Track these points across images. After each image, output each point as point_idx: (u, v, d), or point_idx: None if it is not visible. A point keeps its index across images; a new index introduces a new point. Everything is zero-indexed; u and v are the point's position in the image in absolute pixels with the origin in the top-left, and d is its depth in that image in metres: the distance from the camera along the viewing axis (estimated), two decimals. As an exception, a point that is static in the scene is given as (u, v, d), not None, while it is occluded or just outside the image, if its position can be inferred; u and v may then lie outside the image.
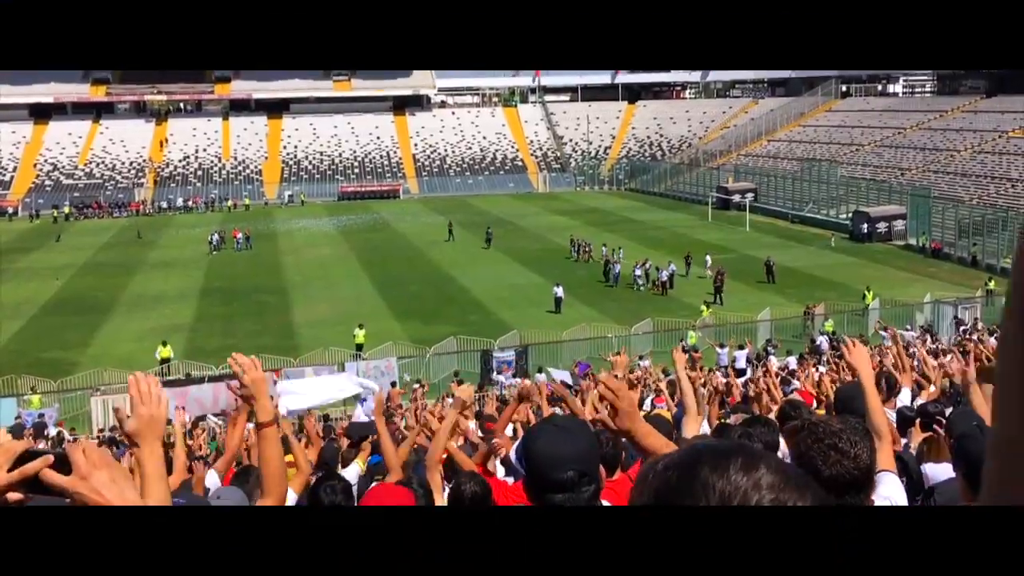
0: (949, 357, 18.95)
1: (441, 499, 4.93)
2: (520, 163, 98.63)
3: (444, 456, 6.08)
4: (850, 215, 59.21)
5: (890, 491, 3.19)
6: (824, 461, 2.61)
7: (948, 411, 7.78)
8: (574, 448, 2.27)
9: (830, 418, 2.85)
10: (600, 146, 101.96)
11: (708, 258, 47.01)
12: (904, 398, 8.79)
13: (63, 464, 1.70)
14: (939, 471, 4.93)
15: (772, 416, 6.98)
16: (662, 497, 1.03)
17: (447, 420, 5.70)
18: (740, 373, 25.28)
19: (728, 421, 7.54)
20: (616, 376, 3.02)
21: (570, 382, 26.90)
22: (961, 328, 32.39)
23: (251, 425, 16.64)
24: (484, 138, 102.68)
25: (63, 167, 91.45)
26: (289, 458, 6.47)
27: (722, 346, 30.90)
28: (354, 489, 5.47)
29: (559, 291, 40.04)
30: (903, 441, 6.89)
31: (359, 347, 33.62)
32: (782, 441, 5.09)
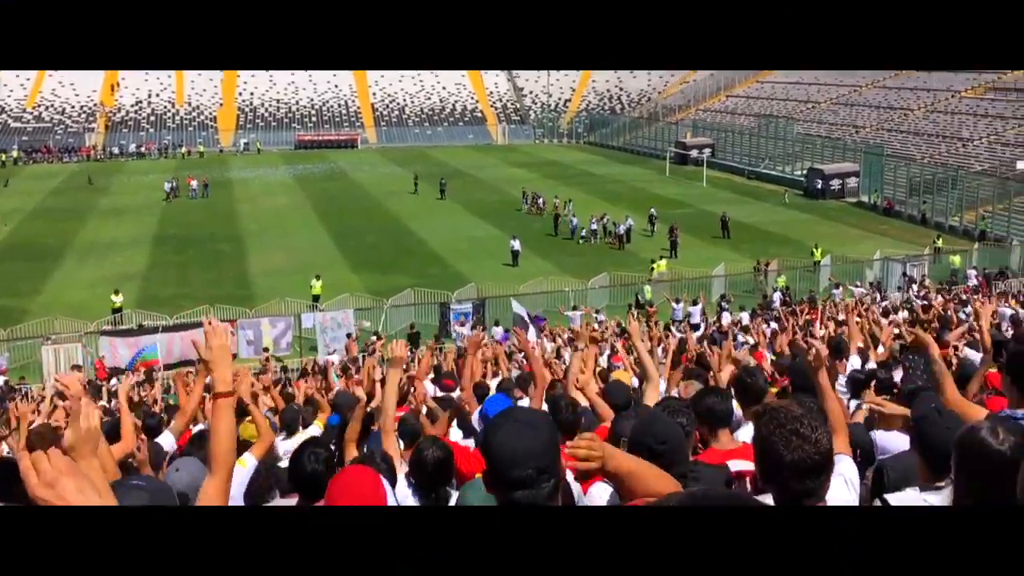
0: (898, 315, 19.35)
1: (402, 465, 4.94)
2: (480, 114, 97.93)
3: (397, 418, 6.04)
4: (805, 172, 59.73)
5: (844, 468, 3.28)
6: (786, 446, 2.67)
7: (897, 375, 7.96)
8: (533, 444, 2.27)
9: (790, 403, 2.91)
10: (560, 99, 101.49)
11: (653, 210, 47.25)
12: (854, 362, 8.97)
13: (15, 470, 1.70)
14: (889, 439, 5.04)
15: (727, 379, 7.08)
16: None
17: (390, 382, 5.50)
18: (694, 328, 25.62)
19: (678, 391, 7.63)
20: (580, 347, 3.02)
21: (526, 319, 27.15)
22: (912, 286, 32.99)
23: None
24: (444, 88, 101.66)
25: (11, 110, 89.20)
26: (252, 430, 6.38)
27: (677, 301, 31.20)
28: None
29: (516, 244, 40.05)
30: (853, 403, 7.03)
31: (316, 298, 33.49)
32: (737, 409, 5.16)
